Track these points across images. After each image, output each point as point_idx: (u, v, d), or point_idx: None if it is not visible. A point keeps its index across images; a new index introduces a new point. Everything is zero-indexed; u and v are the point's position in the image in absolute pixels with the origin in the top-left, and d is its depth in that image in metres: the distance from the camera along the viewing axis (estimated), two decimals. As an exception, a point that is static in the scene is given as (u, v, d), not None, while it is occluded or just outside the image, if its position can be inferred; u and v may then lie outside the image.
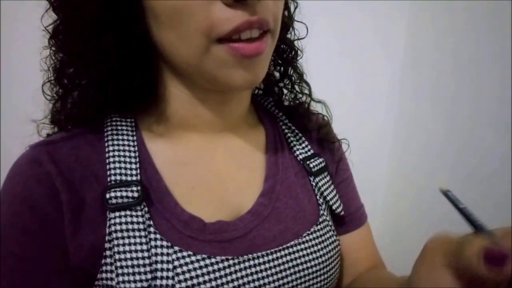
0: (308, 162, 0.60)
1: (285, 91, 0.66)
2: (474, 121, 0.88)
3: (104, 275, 0.45)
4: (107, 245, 0.45)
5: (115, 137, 0.50)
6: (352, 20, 0.99)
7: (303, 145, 0.62)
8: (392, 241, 1.05)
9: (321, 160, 0.61)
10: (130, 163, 0.49)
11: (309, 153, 0.61)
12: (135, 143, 0.51)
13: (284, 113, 0.64)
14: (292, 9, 0.61)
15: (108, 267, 0.45)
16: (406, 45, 1.03)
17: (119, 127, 0.51)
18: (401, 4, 1.01)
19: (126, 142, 0.50)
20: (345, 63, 0.99)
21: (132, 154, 0.50)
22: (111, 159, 0.48)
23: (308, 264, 0.52)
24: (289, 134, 0.62)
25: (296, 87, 0.65)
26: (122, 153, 0.49)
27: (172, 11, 0.41)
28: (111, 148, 0.49)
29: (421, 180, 1.01)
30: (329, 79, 0.99)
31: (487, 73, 0.85)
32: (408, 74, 1.03)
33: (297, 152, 0.60)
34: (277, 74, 0.64)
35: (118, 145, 0.50)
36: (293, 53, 0.62)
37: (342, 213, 0.61)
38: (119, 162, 0.48)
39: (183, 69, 0.47)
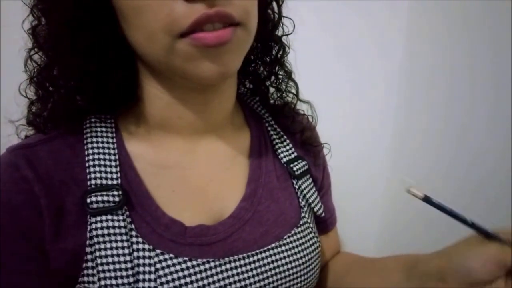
0: (291, 165, 0.60)
1: (271, 89, 0.65)
2: (472, 122, 0.87)
3: (85, 278, 0.45)
4: (88, 249, 0.45)
5: (94, 139, 0.50)
6: (350, 21, 0.98)
7: (287, 147, 0.62)
8: (391, 241, 1.04)
9: (304, 163, 0.62)
10: (110, 166, 0.49)
11: (292, 156, 0.61)
12: (115, 146, 0.50)
13: (270, 113, 0.64)
14: (277, 3, 0.59)
15: (90, 271, 0.45)
16: (405, 47, 1.02)
17: (99, 129, 0.51)
18: (400, 4, 0.99)
19: (106, 145, 0.50)
20: (343, 65, 0.99)
21: (112, 158, 0.49)
22: (91, 163, 0.48)
23: (289, 266, 0.53)
24: (274, 136, 0.62)
25: (283, 85, 0.64)
26: (102, 156, 0.49)
27: (135, 11, 0.41)
28: (90, 151, 0.49)
29: (420, 180, 1.00)
30: (327, 80, 0.98)
31: (485, 75, 0.85)
32: (406, 76, 1.03)
33: (281, 155, 0.61)
34: (265, 72, 0.63)
35: (98, 148, 0.49)
36: (281, 50, 0.61)
37: (323, 214, 0.62)
38: (99, 165, 0.48)
39: (156, 67, 0.47)
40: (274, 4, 0.58)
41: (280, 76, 0.63)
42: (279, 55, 0.61)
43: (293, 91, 0.64)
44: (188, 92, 0.50)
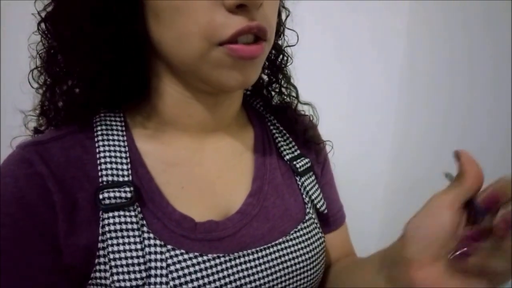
0: (294, 163, 0.61)
1: (273, 93, 0.67)
2: (473, 121, 0.88)
3: (98, 274, 0.45)
4: (100, 245, 0.45)
5: (105, 137, 0.50)
6: (350, 21, 0.99)
7: (290, 145, 0.63)
8: (391, 241, 1.04)
9: (307, 160, 0.63)
10: (122, 163, 0.49)
11: (295, 154, 0.63)
12: (126, 143, 0.51)
13: (272, 114, 0.66)
14: (283, 16, 0.62)
15: (102, 267, 0.45)
16: (405, 46, 1.03)
17: (109, 126, 0.51)
18: (401, 4, 1.00)
19: (116, 142, 0.50)
20: (343, 65, 0.99)
21: (123, 155, 0.50)
22: (102, 160, 0.48)
23: (296, 261, 0.54)
24: (277, 135, 0.63)
25: (284, 90, 0.66)
26: (113, 154, 0.49)
27: (174, 12, 0.42)
28: (101, 148, 0.49)
29: (420, 180, 1.01)
30: (328, 80, 0.98)
31: (485, 74, 0.86)
32: (407, 75, 1.04)
33: (284, 153, 0.62)
34: (265, 77, 0.65)
35: (109, 145, 0.50)
36: (283, 59, 0.64)
37: (326, 211, 0.64)
38: (111, 163, 0.49)
39: (178, 67, 0.48)
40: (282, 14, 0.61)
41: (281, 82, 0.65)
42: (282, 64, 0.64)
43: (293, 94, 0.67)
44: (200, 93, 0.51)
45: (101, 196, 0.46)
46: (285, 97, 0.66)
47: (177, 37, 0.43)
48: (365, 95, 1.02)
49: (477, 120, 0.87)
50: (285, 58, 0.64)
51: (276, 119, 0.65)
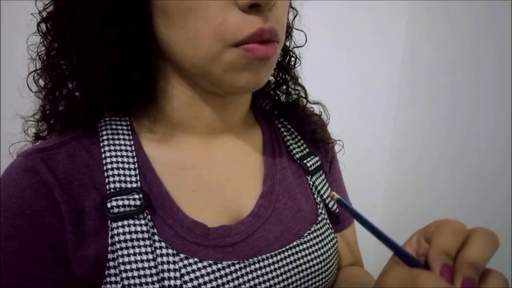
0: (305, 161, 0.60)
1: (280, 94, 0.66)
2: (473, 121, 0.89)
3: (108, 286, 0.43)
4: (110, 256, 0.43)
5: (111, 141, 0.48)
6: (351, 20, 0.99)
7: (299, 143, 0.62)
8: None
9: (317, 159, 0.62)
10: (129, 169, 0.47)
11: (305, 152, 0.62)
12: (133, 148, 0.49)
13: (280, 113, 0.65)
14: (291, 16, 0.62)
15: (113, 278, 0.43)
16: (405, 46, 1.03)
17: (115, 131, 0.49)
18: (401, 4, 1.01)
19: (123, 147, 0.48)
20: (344, 64, 0.99)
21: (131, 160, 0.48)
22: (109, 166, 0.46)
23: (310, 264, 0.53)
24: (285, 133, 0.62)
25: (292, 91, 0.65)
26: (120, 159, 0.47)
27: (184, 12, 0.40)
28: (108, 154, 0.47)
29: (420, 181, 1.02)
30: (328, 79, 0.98)
31: (486, 74, 0.86)
32: (407, 75, 1.04)
33: (294, 151, 0.61)
34: (272, 78, 0.64)
35: (115, 150, 0.48)
36: (291, 60, 0.63)
37: (337, 210, 0.63)
38: (118, 168, 0.47)
39: (187, 69, 0.46)
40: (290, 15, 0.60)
41: (289, 83, 0.64)
42: (289, 65, 0.63)
43: (302, 94, 0.66)
44: (208, 94, 0.50)
45: (109, 205, 0.44)
46: (293, 97, 0.65)
47: (188, 39, 0.41)
48: (365, 95, 1.02)
49: (478, 119, 0.87)
50: (293, 59, 0.63)
51: (284, 118, 0.64)
